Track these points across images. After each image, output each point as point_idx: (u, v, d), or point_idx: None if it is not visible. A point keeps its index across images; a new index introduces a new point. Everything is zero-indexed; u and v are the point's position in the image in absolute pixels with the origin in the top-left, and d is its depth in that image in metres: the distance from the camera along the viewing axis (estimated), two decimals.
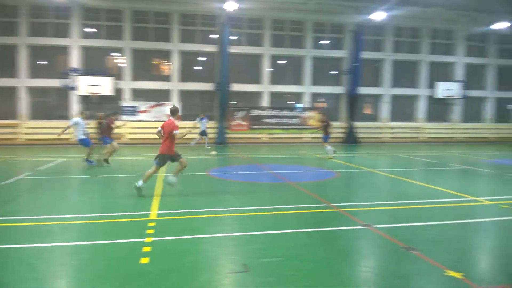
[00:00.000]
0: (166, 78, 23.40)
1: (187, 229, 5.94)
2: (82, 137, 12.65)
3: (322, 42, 24.96)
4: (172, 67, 23.25)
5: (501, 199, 8.31)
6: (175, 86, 23.25)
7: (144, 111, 22.52)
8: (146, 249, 5.01)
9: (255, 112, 23.77)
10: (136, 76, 22.89)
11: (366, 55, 24.77)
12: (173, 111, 8.11)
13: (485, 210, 7.52)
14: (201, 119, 19.37)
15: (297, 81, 24.88)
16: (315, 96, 25.32)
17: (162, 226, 6.08)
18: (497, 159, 16.64)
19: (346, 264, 4.71)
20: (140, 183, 8.03)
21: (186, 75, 23.47)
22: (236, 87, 23.30)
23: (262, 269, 4.48)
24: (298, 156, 17.29)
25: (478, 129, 27.21)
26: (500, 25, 23.81)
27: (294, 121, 24.29)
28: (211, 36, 23.38)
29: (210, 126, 23.34)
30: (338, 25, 24.84)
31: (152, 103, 22.61)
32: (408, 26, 25.63)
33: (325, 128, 16.21)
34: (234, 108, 23.61)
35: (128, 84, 22.74)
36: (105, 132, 13.18)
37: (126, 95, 22.66)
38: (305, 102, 24.79)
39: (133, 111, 22.46)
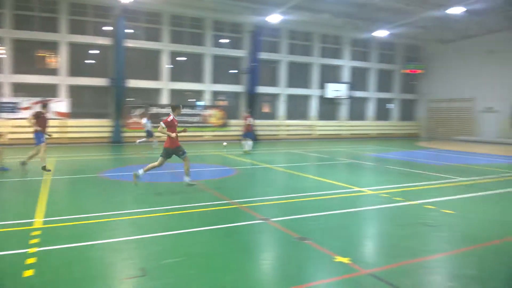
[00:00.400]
0: (53, 72, 21.37)
1: (77, 236, 5.52)
2: None
3: (221, 40, 25.18)
4: (60, 60, 21.31)
5: (381, 189, 9.31)
6: (63, 80, 21.36)
7: (26, 108, 20.26)
8: (30, 260, 4.53)
9: (154, 110, 23.02)
10: (18, 69, 20.48)
11: (264, 55, 25.67)
12: (173, 107, 8.90)
13: (368, 199, 8.35)
14: (148, 119, 18.76)
15: (198, 78, 24.74)
16: (215, 94, 25.46)
17: (48, 234, 5.56)
18: (377, 153, 18.59)
19: (246, 258, 4.84)
20: (140, 171, 8.57)
21: (76, 69, 21.71)
22: (133, 83, 22.31)
23: (161, 271, 4.38)
24: (199, 154, 17.21)
25: (362, 126, 30.10)
26: (380, 33, 26.58)
27: (195, 119, 24.11)
28: (104, 28, 21.98)
29: (104, 124, 22.05)
30: (237, 25, 25.30)
31: (36, 99, 20.45)
32: (301, 30, 27.19)
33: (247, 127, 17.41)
34: (131, 105, 22.56)
35: (8, 78, 20.25)
36: None
37: (6, 90, 20.17)
38: (206, 100, 24.78)
39: (13, 108, 20.08)
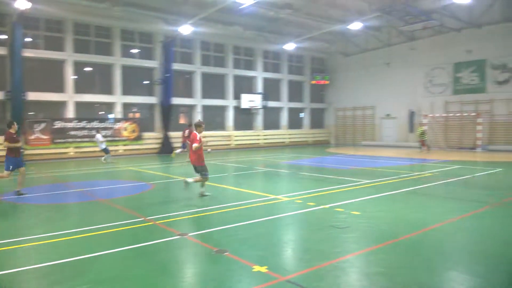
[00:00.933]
0: None
1: None
2: None
3: (132, 51, 24.32)
4: None
5: (295, 195, 9.67)
6: None
7: None
8: None
9: (59, 124, 21.34)
10: None
11: (177, 66, 25.33)
12: (196, 125, 9.41)
13: (283, 206, 8.61)
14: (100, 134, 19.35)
15: (107, 90, 23.53)
16: (128, 106, 24.43)
17: None
18: (291, 160, 19.32)
19: (164, 277, 4.66)
20: (190, 180, 9.39)
21: None
22: (33, 95, 20.46)
23: None
24: (112, 170, 16.32)
25: (276, 135, 31.10)
26: (289, 46, 27.85)
27: (105, 132, 22.82)
28: (0, 36, 19.94)
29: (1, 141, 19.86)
30: (147, 35, 24.64)
31: None
32: (214, 41, 27.40)
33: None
34: (32, 120, 20.65)
35: None
36: None
37: None
38: (118, 113, 23.65)
39: None
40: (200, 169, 9.40)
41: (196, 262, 5.27)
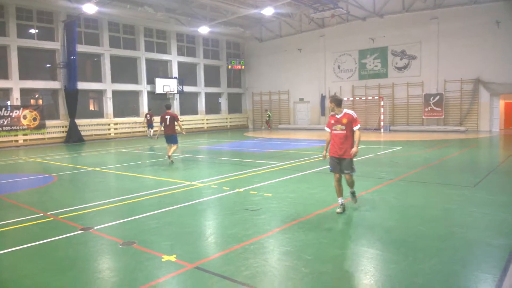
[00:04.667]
0: None
1: None
2: None
3: (30, 31, 22.00)
4: None
5: (211, 181, 9.62)
6: None
7: None
8: None
9: None
10: None
11: (83, 48, 23.55)
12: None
13: (197, 192, 8.50)
14: None
15: (2, 74, 21.06)
16: (26, 92, 22.17)
17: None
18: (209, 146, 19.20)
19: (61, 275, 4.30)
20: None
21: None
22: None
23: None
24: (9, 163, 14.76)
25: (194, 121, 30.65)
26: (203, 29, 27.34)
27: (1, 121, 20.53)
28: None
29: None
30: (47, 13, 22.46)
31: None
32: (124, 22, 25.90)
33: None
34: None
35: None
36: None
37: None
38: (15, 99, 21.35)
39: None
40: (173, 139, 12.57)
41: (101, 257, 4.95)
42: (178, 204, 7.37)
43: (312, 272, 4.21)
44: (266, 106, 33.40)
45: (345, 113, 6.30)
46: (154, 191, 8.59)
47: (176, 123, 12.74)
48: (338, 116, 6.32)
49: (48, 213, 6.90)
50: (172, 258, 4.65)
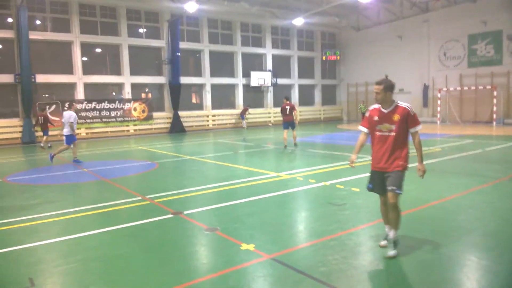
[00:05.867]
0: None
1: None
2: None
3: (139, 30, 24.16)
4: None
5: (298, 173, 9.56)
6: None
7: None
8: None
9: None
10: None
11: (185, 45, 25.11)
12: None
13: (283, 184, 8.52)
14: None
15: (116, 71, 23.55)
16: (136, 87, 24.45)
17: None
18: (301, 138, 19.06)
19: (150, 257, 4.66)
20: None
21: None
22: (42, 78, 20.64)
23: (51, 279, 4.07)
24: (120, 150, 16.46)
25: None
26: (297, 21, 27.16)
27: (115, 113, 22.99)
28: (6, 20, 20.02)
29: (14, 124, 20.24)
30: (153, 14, 24.41)
31: None
32: (221, 18, 26.97)
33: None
34: (42, 102, 20.86)
35: None
36: None
37: None
38: (127, 93, 23.71)
39: None
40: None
41: (186, 240, 5.23)
42: (263, 194, 7.46)
43: (392, 274, 3.93)
44: (362, 98, 32.11)
45: (398, 107, 4.35)
46: (240, 180, 8.83)
47: (293, 112, 14.58)
48: (385, 111, 4.38)
49: (147, 196, 7.52)
50: (251, 247, 4.72)
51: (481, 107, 24.29)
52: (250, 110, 28.00)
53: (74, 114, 12.42)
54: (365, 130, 4.66)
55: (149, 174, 10.39)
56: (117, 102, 23.14)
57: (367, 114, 4.64)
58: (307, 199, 7.21)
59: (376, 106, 4.50)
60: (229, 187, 8.26)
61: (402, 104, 4.38)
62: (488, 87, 23.59)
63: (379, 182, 4.53)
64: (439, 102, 25.49)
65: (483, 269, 4.00)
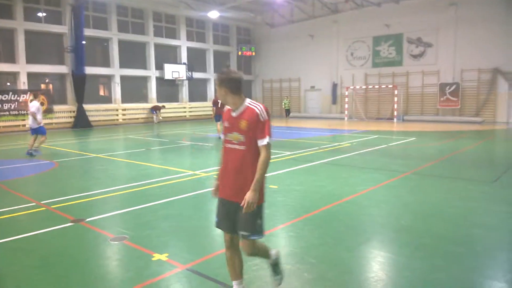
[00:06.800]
0: None
1: None
2: None
3: (38, 14, 21.67)
4: None
5: (215, 170, 9.20)
6: None
7: None
8: None
9: None
10: None
11: (91, 32, 23.18)
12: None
13: (199, 183, 8.10)
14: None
15: (8, 58, 20.85)
16: (34, 76, 21.93)
17: None
18: (216, 133, 18.70)
19: (45, 274, 3.95)
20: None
21: None
22: None
23: None
24: (14, 148, 14.57)
25: (203, 108, 30.15)
26: (213, 14, 26.67)
27: (8, 105, 20.38)
28: None
29: None
30: None
31: None
32: (132, 6, 25.41)
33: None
34: None
35: None
36: None
37: None
38: (22, 83, 21.14)
39: None
40: None
41: (86, 253, 4.53)
42: (178, 195, 6.97)
43: (315, 278, 3.79)
44: (276, 94, 32.77)
45: (247, 108, 3.09)
46: (152, 180, 8.22)
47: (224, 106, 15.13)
48: (234, 114, 3.14)
49: (42, 202, 6.58)
50: (164, 257, 4.26)
51: (384, 105, 26.24)
52: (165, 104, 26.92)
53: None
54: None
55: (45, 176, 9.22)
56: (10, 93, 20.52)
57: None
58: None
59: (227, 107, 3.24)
60: (140, 188, 7.61)
61: (253, 104, 3.08)
62: (390, 86, 25.55)
63: (225, 215, 3.22)
64: (346, 99, 26.96)
65: (400, 266, 4.05)
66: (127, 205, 6.40)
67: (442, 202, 6.35)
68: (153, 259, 4.24)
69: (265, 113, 3.02)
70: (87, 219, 5.63)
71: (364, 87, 26.88)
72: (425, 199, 6.60)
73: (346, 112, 26.99)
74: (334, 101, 28.94)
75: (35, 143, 12.17)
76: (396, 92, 24.91)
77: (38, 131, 12.04)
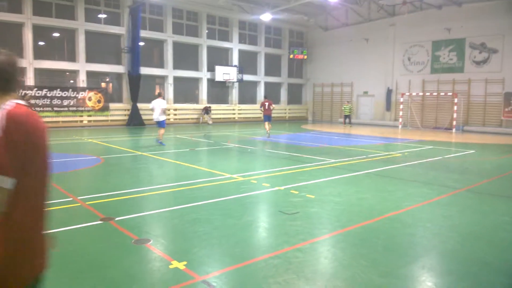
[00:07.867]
0: None
1: None
2: None
3: (98, 16, 22.76)
4: None
5: (252, 175, 8.96)
6: None
7: None
8: None
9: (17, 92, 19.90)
10: None
11: (147, 34, 23.95)
12: None
13: (234, 187, 7.87)
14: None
15: (70, 57, 22.07)
16: (92, 75, 23.04)
17: None
18: (262, 136, 18.53)
19: (55, 271, 3.89)
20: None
21: None
22: None
23: None
24: (68, 142, 15.28)
25: (252, 110, 30.13)
26: (266, 16, 26.55)
27: (68, 102, 21.56)
28: None
29: None
30: None
31: None
32: (187, 9, 25.95)
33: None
34: None
35: None
36: None
37: None
38: (81, 81, 22.29)
39: None
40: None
41: (105, 256, 4.42)
42: (211, 199, 6.78)
43: None
44: (327, 98, 31.99)
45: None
46: (190, 181, 8.11)
47: (271, 107, 17.62)
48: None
49: (79, 197, 6.68)
50: (181, 265, 4.06)
51: (442, 114, 24.67)
52: (212, 106, 27.16)
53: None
54: None
55: (89, 171, 9.48)
56: (70, 90, 21.70)
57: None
58: (257, 206, 6.62)
59: None
60: (174, 189, 7.54)
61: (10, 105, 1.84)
62: (450, 93, 23.97)
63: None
64: (401, 106, 25.71)
65: None
66: (158, 206, 6.32)
67: (496, 225, 5.63)
68: (170, 266, 4.05)
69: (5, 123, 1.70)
70: (116, 218, 5.59)
71: (421, 94, 25.46)
72: (478, 220, 5.89)
73: (400, 119, 25.71)
74: (388, 107, 27.70)
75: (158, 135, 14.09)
76: (456, 100, 23.29)
77: (162, 124, 13.89)
